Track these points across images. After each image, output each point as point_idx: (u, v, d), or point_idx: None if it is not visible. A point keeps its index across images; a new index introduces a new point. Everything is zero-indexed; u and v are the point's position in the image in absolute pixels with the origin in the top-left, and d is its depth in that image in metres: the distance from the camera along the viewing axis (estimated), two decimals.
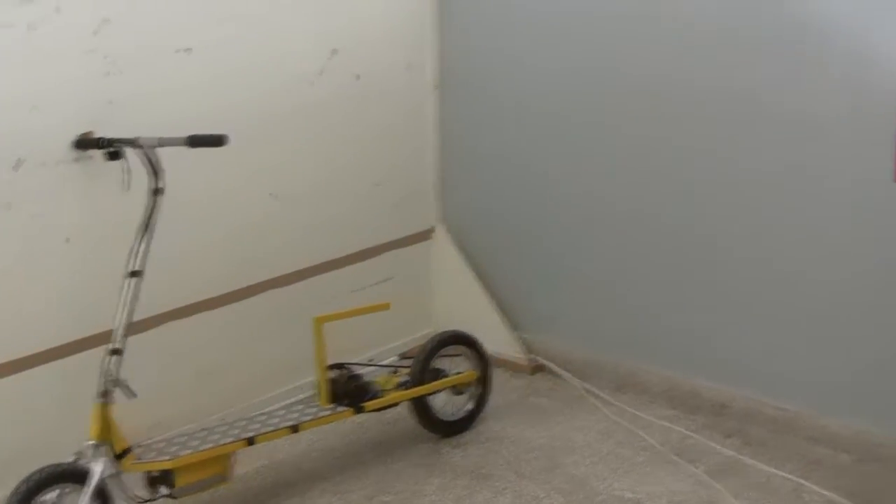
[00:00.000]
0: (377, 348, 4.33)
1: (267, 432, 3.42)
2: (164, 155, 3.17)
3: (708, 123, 3.92)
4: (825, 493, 3.55)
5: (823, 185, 3.70)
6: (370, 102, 4.35)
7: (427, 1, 4.50)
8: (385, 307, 3.80)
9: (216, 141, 3.08)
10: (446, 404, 3.94)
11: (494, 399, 4.16)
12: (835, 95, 3.61)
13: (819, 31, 3.59)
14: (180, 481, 3.18)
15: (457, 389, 3.94)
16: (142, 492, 3.13)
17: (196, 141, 3.02)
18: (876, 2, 3.41)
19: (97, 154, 3.22)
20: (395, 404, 3.75)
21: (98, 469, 2.87)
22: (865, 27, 3.47)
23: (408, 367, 3.83)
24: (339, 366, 3.66)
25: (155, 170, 3.09)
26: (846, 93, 3.58)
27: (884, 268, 3.65)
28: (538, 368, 4.51)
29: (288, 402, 3.88)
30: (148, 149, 3.09)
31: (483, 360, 4.01)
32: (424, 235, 4.67)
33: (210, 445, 3.29)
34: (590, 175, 4.31)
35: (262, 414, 3.62)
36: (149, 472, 3.10)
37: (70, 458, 2.91)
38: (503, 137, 4.51)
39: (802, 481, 3.59)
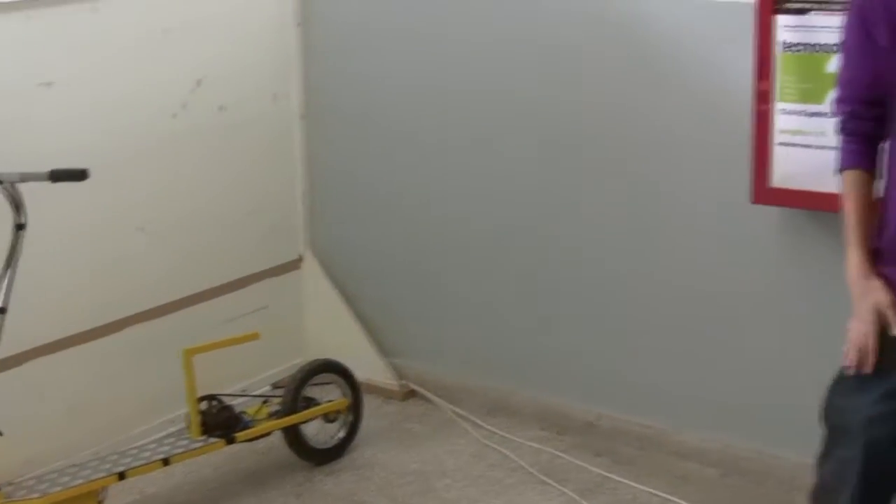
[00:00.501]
0: (249, 379, 4.34)
1: (138, 466, 3.42)
2: (29, 190, 3.14)
3: (574, 147, 4.04)
4: None
5: (685, 207, 3.87)
6: (236, 133, 4.37)
7: (291, 31, 4.54)
8: (255, 337, 3.84)
9: (78, 175, 3.09)
10: (319, 432, 3.99)
11: (366, 425, 4.22)
12: (694, 123, 3.79)
13: (677, 58, 3.77)
14: None
15: (329, 417, 3.99)
16: None
17: (58, 175, 3.02)
18: (725, 33, 3.60)
19: None
20: (268, 433, 3.79)
21: None
22: (719, 57, 3.68)
23: (279, 396, 3.87)
24: (211, 397, 3.67)
25: (17, 205, 3.07)
26: (703, 120, 3.76)
27: (743, 285, 3.83)
28: (410, 394, 4.56)
29: (160, 435, 3.85)
30: (9, 184, 3.08)
31: (354, 388, 4.08)
32: (294, 265, 4.68)
33: (80, 481, 3.28)
34: (457, 200, 4.38)
35: (134, 448, 3.60)
36: None
37: None
38: (371, 165, 4.57)
39: (669, 496, 3.73)
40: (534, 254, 4.23)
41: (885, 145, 2.70)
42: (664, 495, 3.74)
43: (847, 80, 2.77)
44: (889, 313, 2.53)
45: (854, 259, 2.62)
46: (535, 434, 4.19)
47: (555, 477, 3.84)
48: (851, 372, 2.60)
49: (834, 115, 2.84)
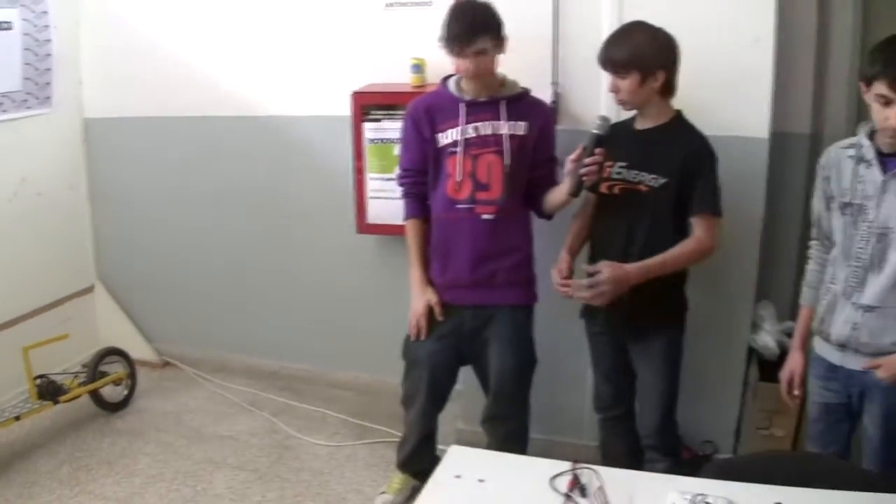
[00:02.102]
0: (66, 363, 5.12)
1: (0, 422, 4.20)
2: None
3: (258, 206, 5.25)
4: (340, 415, 4.90)
5: (319, 236, 5.05)
6: (47, 210, 5.25)
7: (79, 146, 5.50)
8: (65, 337, 4.77)
9: None
10: (111, 392, 4.91)
11: (140, 386, 5.20)
12: (321, 187, 5.00)
13: (310, 151, 5.01)
14: None
15: (116, 382, 4.93)
16: None
17: None
18: (336, 133, 4.73)
19: None
20: (80, 396, 4.66)
21: None
22: (333, 148, 4.85)
23: (85, 372, 4.72)
24: (42, 376, 4.45)
25: None
26: (326, 185, 4.95)
27: (354, 282, 5.06)
28: (166, 364, 5.61)
29: (12, 403, 4.55)
30: None
31: (130, 363, 5.05)
32: (88, 290, 5.65)
33: None
34: (197, 241, 5.43)
35: None
36: None
37: None
38: (139, 224, 5.55)
39: (326, 411, 4.95)
40: (240, 270, 5.39)
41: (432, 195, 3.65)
42: (323, 410, 4.97)
43: (408, 160, 3.72)
44: (434, 310, 3.69)
45: (415, 273, 3.74)
46: (243, 381, 5.35)
47: (257, 406, 5.04)
48: (414, 338, 3.74)
49: (399, 182, 3.80)
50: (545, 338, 3.98)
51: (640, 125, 3.54)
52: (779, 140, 3.98)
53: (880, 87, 2.85)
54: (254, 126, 5.10)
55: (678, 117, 3.51)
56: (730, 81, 3.83)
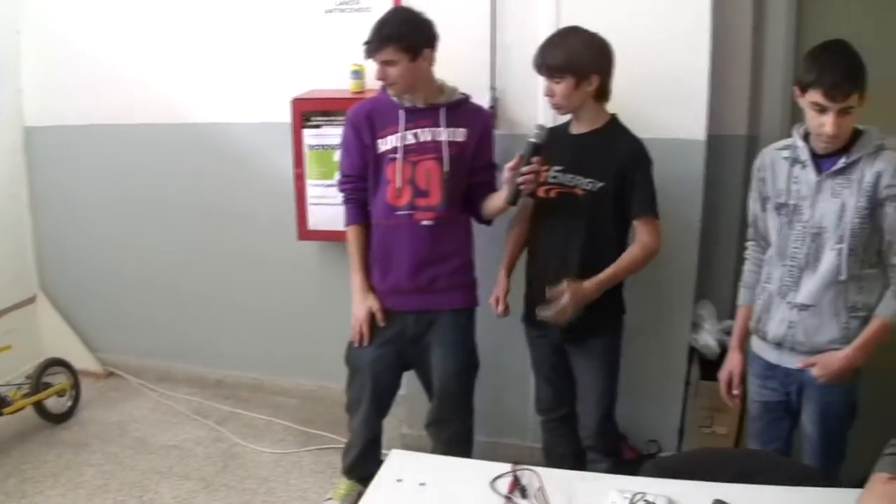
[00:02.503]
0: (9, 375, 5.06)
1: None
2: None
3: (196, 218, 5.25)
4: (285, 422, 4.92)
5: (264, 243, 5.08)
6: None
7: (20, 158, 5.52)
8: (7, 348, 4.83)
9: None
10: (55, 403, 4.87)
11: (84, 397, 5.16)
12: (262, 194, 5.02)
13: (253, 159, 5.01)
14: None
15: (60, 393, 4.89)
16: None
17: None
18: (277, 141, 4.72)
19: None
20: (24, 407, 4.62)
21: None
22: (275, 156, 4.85)
23: (28, 383, 4.69)
24: None
25: None
26: (267, 193, 4.97)
27: (297, 286, 5.09)
28: (110, 374, 5.58)
29: None
30: None
31: (74, 374, 5.02)
32: (31, 300, 5.63)
33: None
34: (138, 254, 5.43)
35: None
36: None
37: None
38: (79, 236, 5.55)
39: (272, 419, 4.98)
40: (182, 279, 5.37)
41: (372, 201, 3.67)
42: (268, 417, 4.99)
43: (348, 166, 3.72)
44: (376, 316, 3.70)
45: (357, 279, 3.74)
46: (187, 390, 5.35)
47: (201, 415, 5.01)
48: (357, 344, 3.74)
49: (340, 188, 3.79)
50: (487, 341, 4.01)
51: (576, 129, 3.59)
52: (715, 142, 4.03)
53: (815, 96, 2.92)
54: (195, 133, 5.10)
55: (613, 121, 3.56)
56: (666, 85, 3.88)
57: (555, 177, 3.57)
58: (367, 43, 3.50)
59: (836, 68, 2.88)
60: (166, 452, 4.65)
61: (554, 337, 3.68)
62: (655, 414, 4.25)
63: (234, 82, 4.97)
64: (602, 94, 3.50)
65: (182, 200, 5.28)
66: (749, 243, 3.44)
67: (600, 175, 3.49)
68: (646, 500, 2.45)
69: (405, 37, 3.50)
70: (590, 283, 3.45)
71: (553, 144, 3.50)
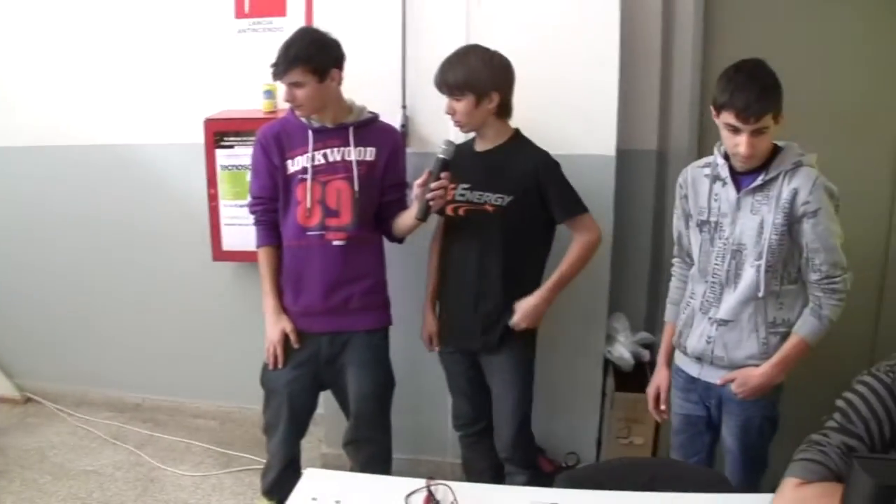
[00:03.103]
0: None
1: None
2: None
3: (110, 241, 5.19)
4: (204, 445, 4.90)
5: (178, 263, 5.04)
6: None
7: None
8: None
9: None
10: None
11: (2, 423, 5.13)
12: (177, 216, 4.93)
13: (165, 180, 4.94)
14: None
15: None
16: None
17: None
18: (190, 159, 4.68)
19: None
20: None
21: None
22: (188, 177, 4.80)
23: None
24: None
25: None
26: (182, 215, 4.89)
27: (212, 307, 5.07)
28: (28, 400, 5.50)
29: None
30: None
31: None
32: None
33: None
34: (52, 282, 5.40)
35: None
36: None
37: None
38: (2, 249, 5.46)
39: (191, 441, 4.94)
40: (98, 303, 5.32)
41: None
42: (187, 440, 4.95)
43: (258, 188, 3.68)
44: (291, 338, 3.66)
45: (269, 301, 3.70)
46: (106, 414, 5.29)
47: (121, 439, 4.97)
48: (271, 367, 3.71)
49: (251, 210, 3.74)
50: (403, 359, 4.01)
51: (480, 147, 3.64)
52: (627, 157, 4.10)
53: (728, 117, 2.96)
54: (107, 155, 5.07)
55: (516, 136, 3.61)
56: (577, 101, 3.95)
57: (462, 195, 3.61)
58: (274, 65, 3.48)
59: (748, 90, 2.90)
60: (86, 478, 4.59)
61: (467, 352, 3.75)
62: (573, 426, 4.28)
63: (147, 103, 4.92)
64: (504, 110, 3.55)
65: (96, 223, 5.23)
66: (675, 260, 3.48)
67: (508, 189, 3.53)
68: None
69: (312, 58, 3.48)
70: (535, 298, 3.56)
71: (459, 162, 3.53)
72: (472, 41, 3.75)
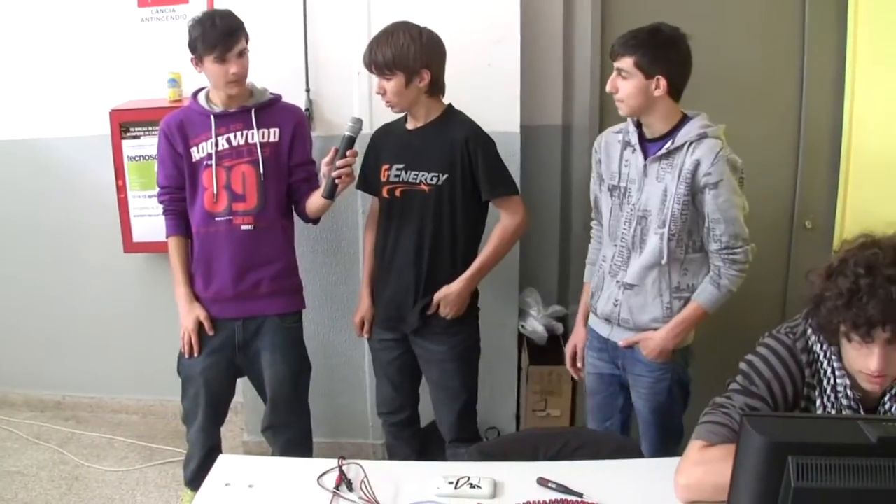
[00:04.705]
0: None
1: None
2: None
3: (18, 237, 5.12)
4: (126, 440, 4.90)
5: (89, 256, 4.97)
6: None
7: None
8: None
9: None
10: None
11: None
12: (85, 209, 4.90)
13: (63, 169, 4.89)
14: None
15: None
16: None
17: None
18: (100, 155, 4.62)
19: None
20: None
21: None
22: (95, 168, 4.78)
23: None
24: None
25: None
26: (91, 206, 4.86)
27: (121, 300, 5.02)
28: None
29: None
30: None
31: None
32: None
33: None
34: None
35: None
36: None
37: None
38: None
39: (113, 437, 4.94)
40: (12, 301, 5.25)
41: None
42: (109, 436, 4.95)
43: (164, 177, 3.70)
44: (205, 326, 3.67)
45: (180, 290, 3.72)
46: (27, 414, 5.27)
47: (43, 439, 4.95)
48: (186, 355, 3.74)
49: (159, 200, 3.76)
50: (319, 343, 4.05)
51: (412, 125, 3.60)
52: (533, 132, 4.15)
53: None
54: (12, 150, 5.00)
55: (448, 111, 3.59)
56: (481, 80, 3.97)
57: (397, 175, 3.59)
58: (219, 38, 3.47)
59: (623, 35, 3.08)
60: (10, 479, 4.54)
61: (404, 339, 3.76)
62: (492, 401, 4.32)
63: (51, 96, 4.81)
64: (435, 88, 3.51)
65: (3, 219, 5.16)
66: (592, 222, 3.55)
67: (441, 167, 3.51)
68: (470, 484, 2.50)
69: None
70: (457, 285, 3.55)
71: (391, 142, 3.59)
72: (373, 22, 3.78)
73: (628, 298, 3.26)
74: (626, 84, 3.08)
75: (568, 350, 3.60)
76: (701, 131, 3.08)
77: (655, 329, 3.23)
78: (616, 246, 3.29)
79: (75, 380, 5.35)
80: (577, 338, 3.58)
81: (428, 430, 4.05)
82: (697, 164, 3.04)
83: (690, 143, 3.07)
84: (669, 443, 3.35)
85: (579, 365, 3.57)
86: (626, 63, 3.06)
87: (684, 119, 3.14)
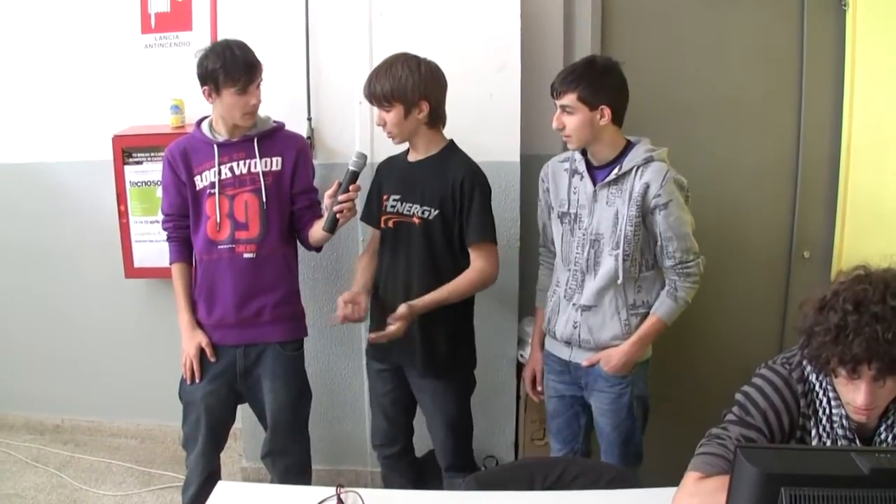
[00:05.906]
0: None
1: None
2: None
3: (21, 261, 5.08)
4: (125, 464, 4.86)
5: (90, 282, 4.95)
6: None
7: None
8: None
9: None
10: None
11: None
12: (86, 235, 4.88)
13: (65, 193, 4.90)
14: None
15: None
16: None
17: None
18: (100, 180, 4.64)
19: None
20: None
21: None
22: (98, 193, 4.74)
23: None
24: None
25: None
26: (88, 234, 4.87)
27: (123, 329, 5.01)
28: None
29: None
30: None
31: None
32: None
33: None
34: None
35: None
36: None
37: None
38: None
39: (112, 461, 4.94)
40: (12, 324, 5.26)
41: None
42: (108, 460, 4.94)
43: (168, 205, 3.71)
44: (206, 352, 3.68)
45: (183, 317, 3.73)
46: (25, 437, 5.26)
47: (41, 462, 4.93)
48: (188, 381, 3.73)
49: (163, 227, 3.78)
50: (320, 370, 4.06)
51: (412, 157, 3.61)
52: (533, 162, 4.11)
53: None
54: (13, 174, 5.01)
55: (449, 147, 3.59)
56: (481, 110, 4.00)
57: (393, 206, 3.61)
58: (243, 70, 3.51)
59: (561, 72, 3.23)
60: (8, 502, 4.53)
61: (399, 372, 3.75)
62: (492, 430, 4.32)
63: (55, 120, 4.84)
64: (435, 119, 3.52)
65: (7, 243, 5.16)
66: (541, 249, 3.66)
67: (433, 202, 3.52)
68: None
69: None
70: (418, 301, 3.48)
71: (391, 173, 3.61)
72: (375, 51, 3.80)
73: (587, 319, 3.35)
74: (572, 119, 3.20)
75: (527, 374, 3.70)
76: (647, 155, 3.22)
77: (616, 346, 3.33)
78: (570, 270, 3.38)
79: (75, 403, 5.32)
80: (534, 362, 3.68)
81: (424, 459, 4.04)
82: (647, 187, 3.18)
83: (638, 168, 3.20)
84: (629, 463, 3.43)
85: (539, 388, 3.66)
86: (570, 98, 3.18)
87: (629, 145, 3.28)
